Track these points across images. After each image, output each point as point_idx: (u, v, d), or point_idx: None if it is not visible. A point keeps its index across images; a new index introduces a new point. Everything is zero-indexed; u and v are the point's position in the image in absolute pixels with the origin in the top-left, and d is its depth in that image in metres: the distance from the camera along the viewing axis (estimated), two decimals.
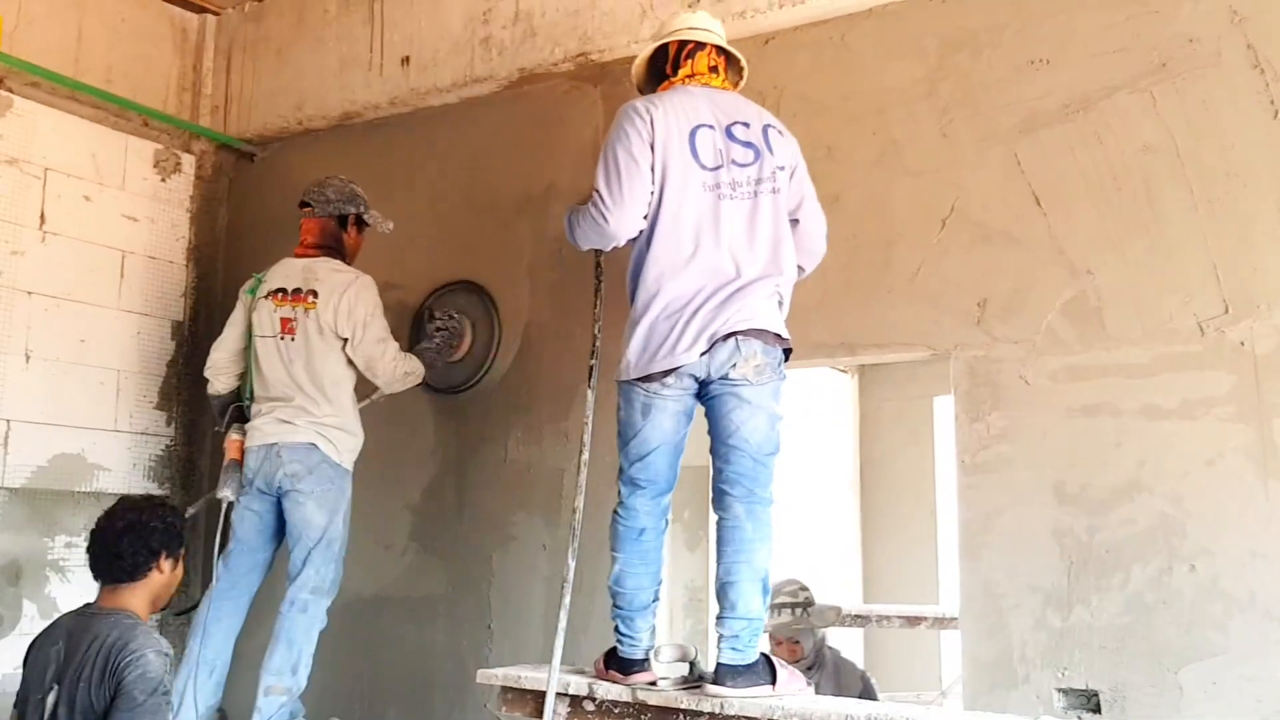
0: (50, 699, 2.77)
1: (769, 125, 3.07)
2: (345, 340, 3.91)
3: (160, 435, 4.81)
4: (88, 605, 2.97)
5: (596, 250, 3.28)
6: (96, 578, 2.98)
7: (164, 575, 2.99)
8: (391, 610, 4.39)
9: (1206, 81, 3.14)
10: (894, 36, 3.61)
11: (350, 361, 3.95)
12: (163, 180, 4.96)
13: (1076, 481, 3.18)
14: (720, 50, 3.17)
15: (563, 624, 3.03)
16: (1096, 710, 3.06)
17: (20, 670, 2.92)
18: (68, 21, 4.66)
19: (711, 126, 3.01)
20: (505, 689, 3.16)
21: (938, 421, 6.24)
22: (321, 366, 3.90)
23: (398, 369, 4.00)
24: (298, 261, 4.05)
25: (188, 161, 5.07)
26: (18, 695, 2.90)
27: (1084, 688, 3.09)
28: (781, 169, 3.03)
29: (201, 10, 5.16)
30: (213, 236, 5.13)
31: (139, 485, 4.74)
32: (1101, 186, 3.24)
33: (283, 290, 3.98)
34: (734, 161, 2.99)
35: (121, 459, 4.70)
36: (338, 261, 4.04)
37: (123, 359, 4.75)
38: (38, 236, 4.47)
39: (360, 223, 4.13)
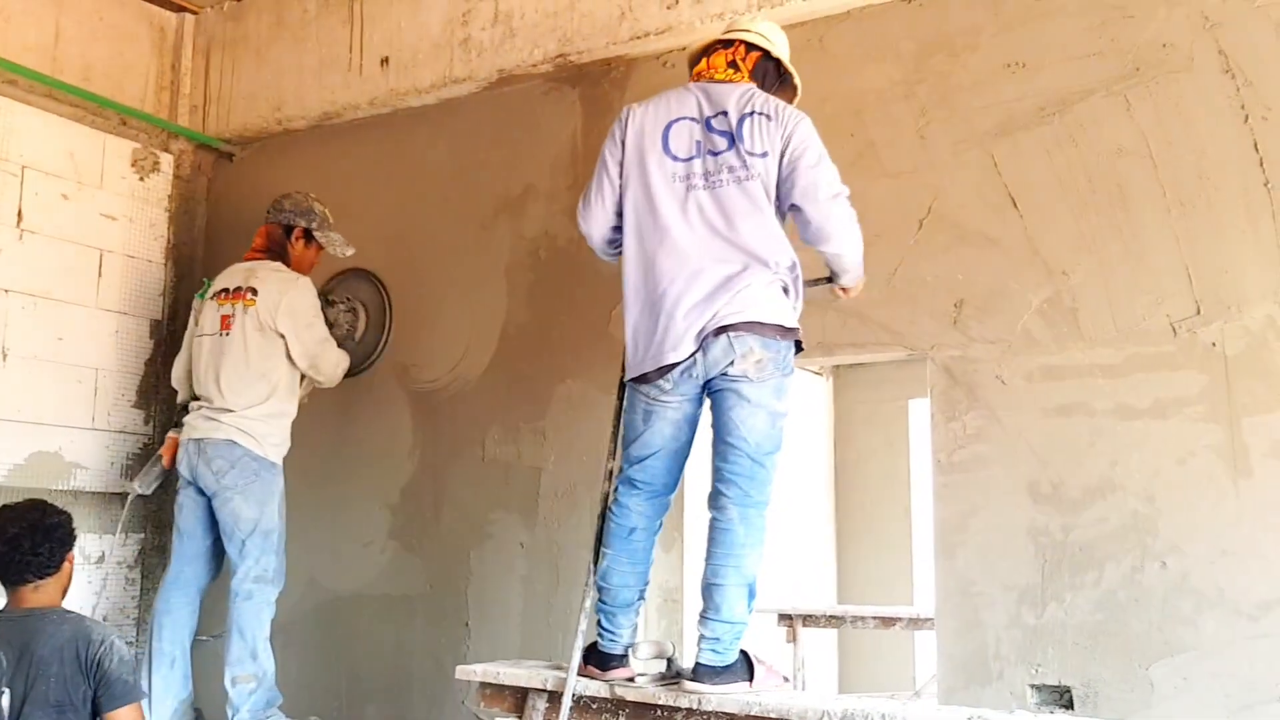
0: (3, 702, 2.85)
1: (750, 114, 2.94)
2: (283, 337, 4.00)
3: (138, 433, 4.79)
4: (11, 610, 3.04)
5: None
6: (8, 582, 3.07)
7: (68, 570, 3.15)
8: (370, 608, 4.39)
9: (1179, 86, 3.19)
10: (871, 39, 3.65)
11: (290, 359, 4.04)
12: (141, 179, 4.94)
13: (1051, 480, 3.22)
14: (752, 46, 3.09)
15: (582, 627, 3.00)
16: (1069, 706, 3.10)
17: None
18: (45, 19, 4.64)
19: (693, 119, 2.98)
20: (484, 685, 3.15)
21: (913, 424, 6.28)
22: (257, 362, 4.00)
23: (339, 367, 4.18)
24: (243, 264, 4.18)
25: (166, 161, 5.05)
26: None
27: (1057, 684, 3.13)
28: (757, 155, 2.90)
29: (180, 9, 5.14)
30: (191, 236, 5.12)
31: (116, 483, 4.71)
32: (1076, 188, 3.29)
33: (225, 290, 4.11)
34: (710, 151, 2.94)
35: (99, 457, 4.68)
36: (280, 265, 4.15)
37: (101, 357, 4.73)
38: (15, 235, 4.44)
39: (309, 236, 4.20)
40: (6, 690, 2.86)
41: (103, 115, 4.81)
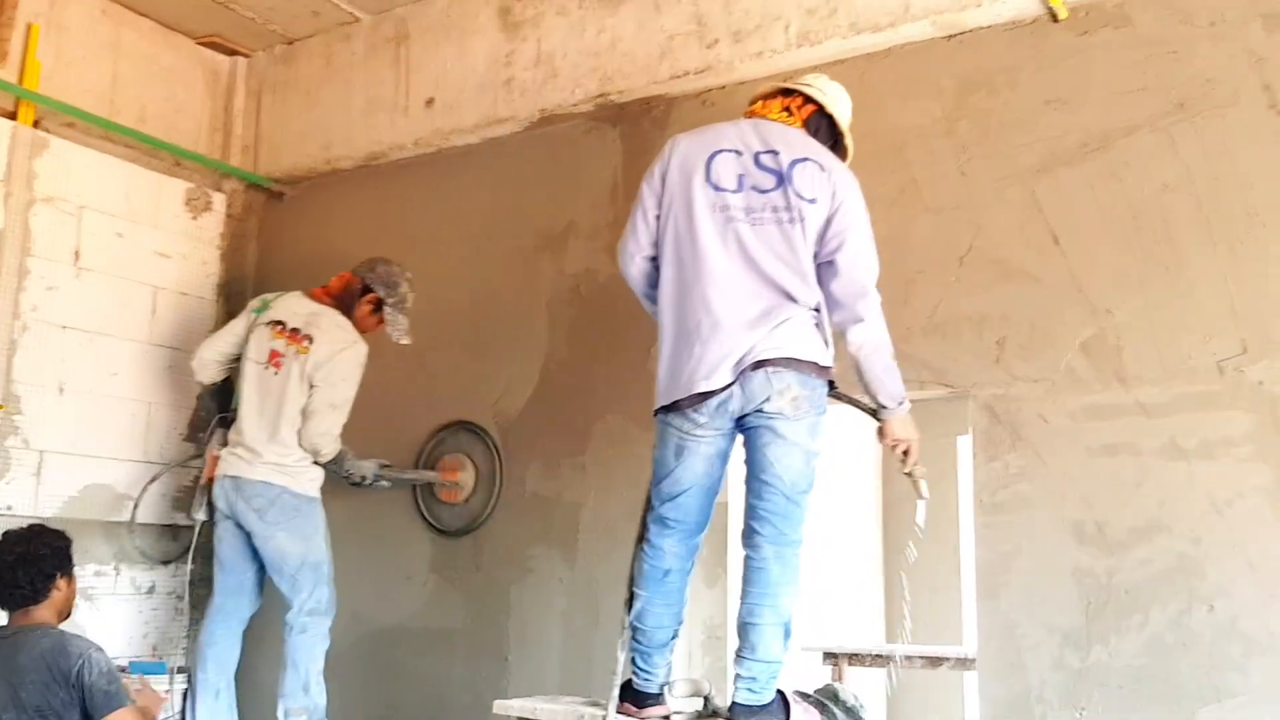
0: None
1: (803, 159, 2.92)
2: (312, 388, 4.03)
3: (189, 466, 4.85)
4: (4, 628, 3.29)
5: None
6: (3, 606, 3.31)
7: (63, 591, 3.32)
8: (410, 641, 4.41)
9: (1225, 121, 3.15)
10: (912, 76, 3.64)
11: None
12: (194, 218, 5.05)
13: (1095, 521, 3.17)
14: (809, 100, 3.12)
15: (621, 662, 3.00)
16: None
17: None
18: (103, 64, 4.77)
19: (738, 152, 2.96)
20: None
21: (960, 461, 6.20)
22: (293, 412, 4.03)
23: (320, 442, 4.04)
24: (308, 303, 4.21)
25: (218, 200, 5.16)
26: None
27: None
28: (806, 200, 2.88)
29: (233, 53, 5.27)
30: (242, 273, 5.21)
31: (168, 515, 4.79)
32: (1120, 225, 3.25)
33: (282, 324, 4.13)
34: (754, 187, 2.91)
35: (151, 491, 4.76)
36: (344, 320, 4.16)
37: (153, 391, 4.82)
38: (72, 272, 4.56)
39: (379, 307, 4.21)
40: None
41: (158, 156, 4.93)
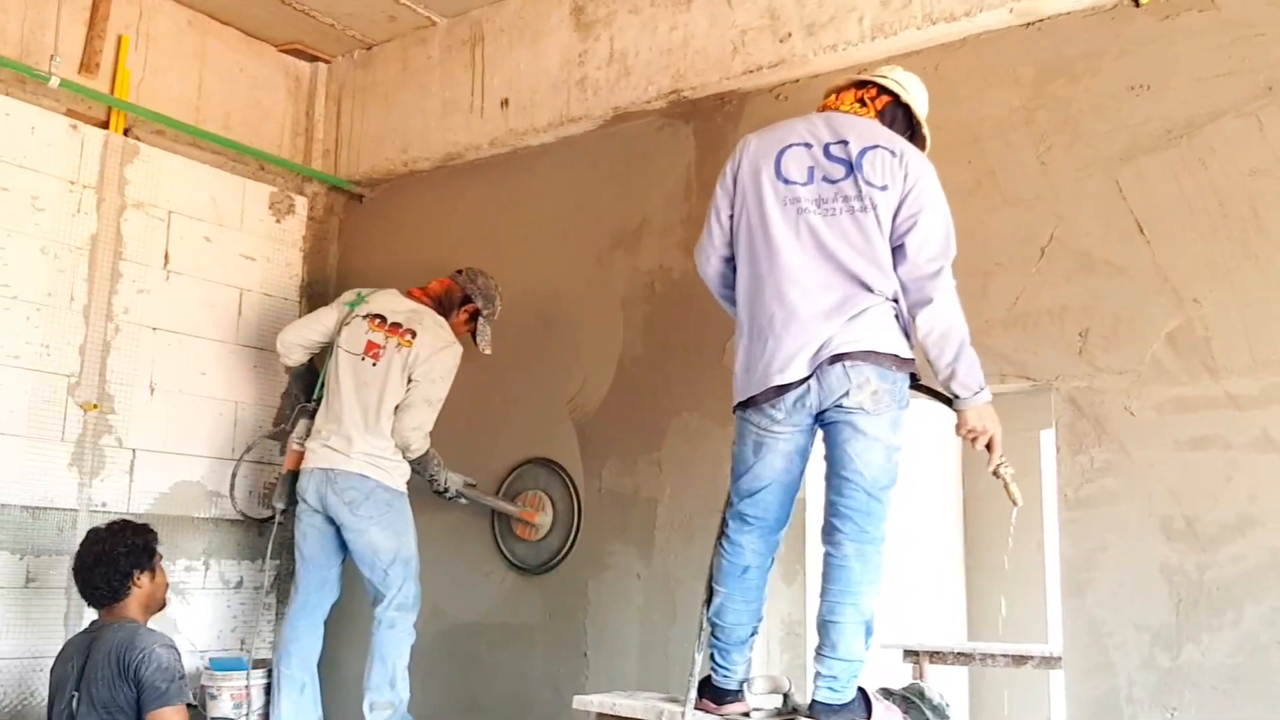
0: (73, 704, 3.21)
1: (873, 146, 2.90)
2: (410, 382, 4.09)
3: (275, 463, 4.96)
4: (93, 623, 3.42)
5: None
6: (89, 604, 3.43)
7: (145, 587, 3.41)
8: (490, 636, 4.46)
9: None
10: (989, 65, 3.59)
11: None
12: (277, 221, 5.17)
13: (1185, 516, 3.09)
14: (884, 90, 3.11)
15: (699, 659, 3.01)
16: None
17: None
18: (189, 72, 4.90)
19: (808, 145, 2.95)
20: (601, 716, 3.18)
21: (1044, 456, 6.09)
22: (391, 401, 4.08)
23: (411, 436, 4.08)
24: (408, 301, 4.27)
25: (301, 203, 5.28)
26: (47, 708, 3.34)
27: None
28: (876, 187, 2.85)
29: (314, 59, 5.38)
30: (324, 274, 5.32)
31: (254, 512, 4.91)
32: (1207, 213, 3.17)
33: (381, 318, 4.19)
34: (825, 178, 2.90)
35: (238, 486, 4.88)
36: (444, 321, 4.25)
37: (240, 391, 4.94)
38: (162, 275, 4.69)
39: (475, 318, 4.33)
40: (75, 693, 3.18)
41: (242, 161, 5.05)
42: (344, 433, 4.07)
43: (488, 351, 4.34)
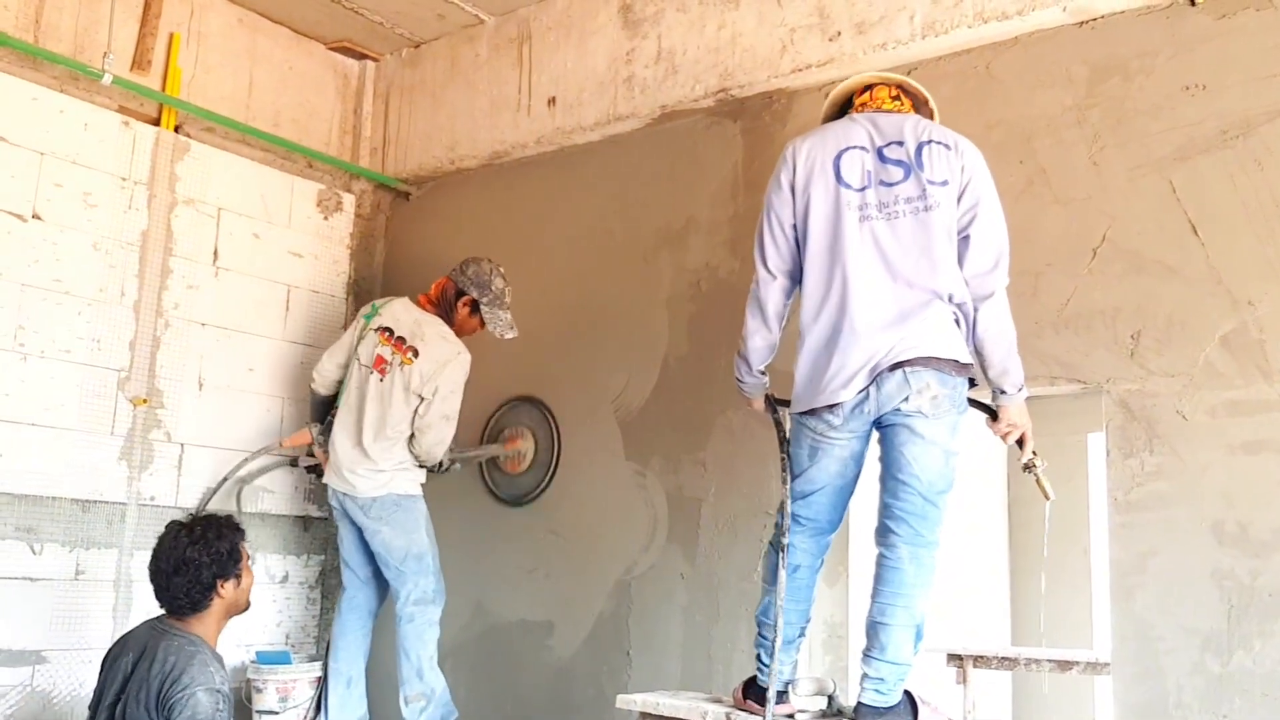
0: (119, 708, 2.91)
1: (928, 142, 2.89)
2: (421, 400, 4.11)
3: (285, 454, 4.99)
4: (161, 619, 3.06)
5: (772, 406, 3.21)
6: (164, 610, 3.05)
7: (227, 597, 3.05)
8: (534, 634, 4.48)
9: None
10: (1041, 64, 3.56)
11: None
12: (325, 218, 5.21)
13: (1238, 521, 3.05)
14: (906, 91, 3.11)
15: (776, 668, 2.95)
16: None
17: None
18: (240, 71, 4.96)
19: (864, 149, 2.93)
20: (644, 715, 3.18)
21: (1091, 460, 6.03)
22: (395, 422, 4.12)
23: (435, 451, 4.17)
24: (414, 311, 4.27)
25: (348, 200, 5.32)
26: (93, 698, 3.03)
27: None
28: (937, 184, 2.84)
29: (362, 57, 5.42)
30: (370, 271, 5.36)
31: (300, 508, 4.96)
32: (1263, 214, 3.12)
33: (389, 331, 4.22)
34: (882, 182, 2.88)
35: (285, 482, 4.93)
36: (447, 329, 4.22)
37: (287, 386, 4.99)
38: (211, 272, 4.75)
39: (476, 308, 4.25)
40: (122, 696, 2.91)
41: (291, 159, 5.10)
42: (355, 446, 4.16)
43: (509, 336, 4.27)
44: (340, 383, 4.39)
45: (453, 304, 4.27)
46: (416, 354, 4.13)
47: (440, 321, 4.23)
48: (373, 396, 4.16)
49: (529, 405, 4.66)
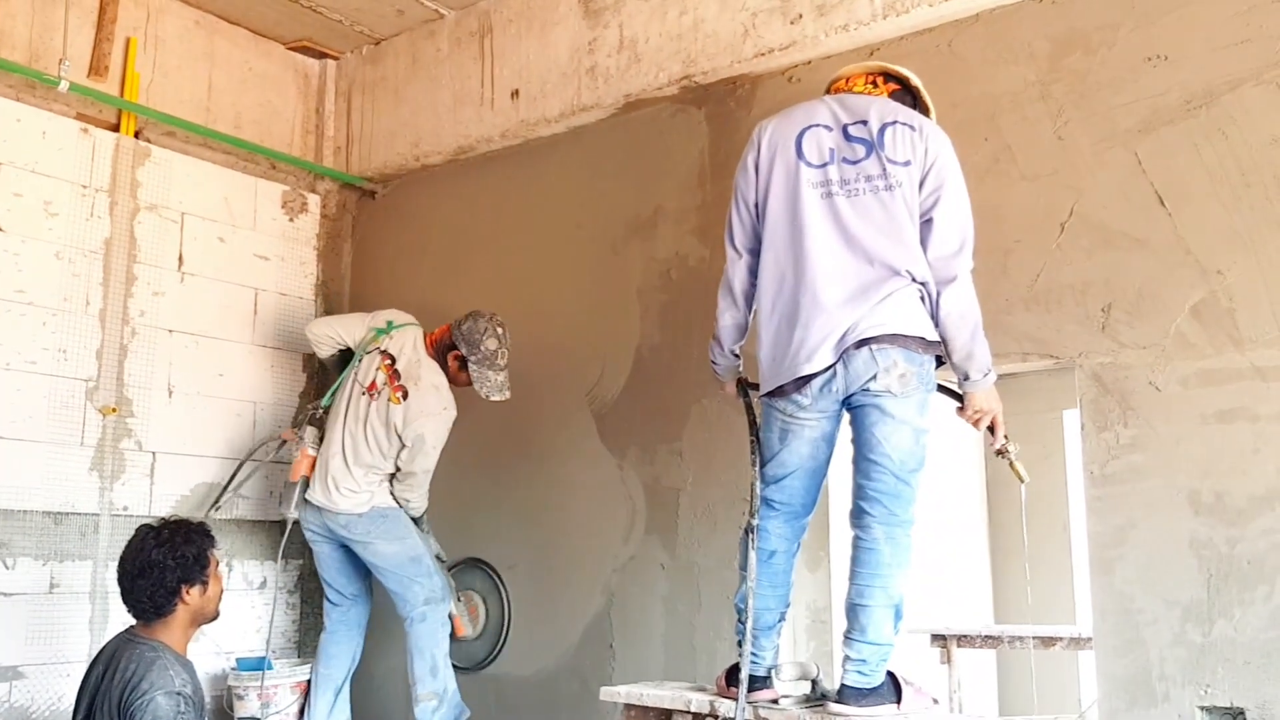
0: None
1: (892, 123, 2.87)
2: (403, 447, 4.10)
3: (282, 462, 4.96)
4: (130, 629, 3.02)
5: (744, 390, 3.20)
6: (131, 615, 3.01)
7: (192, 604, 2.98)
8: (516, 631, 4.45)
9: None
10: (1003, 40, 3.55)
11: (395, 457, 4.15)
12: (290, 220, 5.16)
13: (1213, 490, 3.06)
14: (890, 77, 3.09)
15: (748, 651, 2.96)
16: None
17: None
18: (199, 73, 4.90)
19: (827, 127, 2.92)
20: (628, 706, 3.16)
21: (1067, 437, 6.05)
22: (374, 452, 4.13)
23: (414, 498, 4.24)
24: (419, 350, 4.24)
25: (313, 201, 5.27)
26: (73, 713, 3.00)
27: (1229, 705, 2.95)
28: (899, 164, 2.82)
29: (322, 56, 5.37)
30: (338, 272, 5.31)
31: (275, 512, 4.91)
32: (1229, 183, 3.13)
33: (391, 357, 4.20)
34: (845, 159, 2.87)
35: (258, 487, 4.89)
36: (442, 379, 4.19)
37: (257, 391, 4.95)
38: (177, 278, 4.69)
39: (465, 364, 4.17)
40: (91, 708, 2.89)
41: (253, 160, 5.04)
42: (337, 463, 4.15)
43: (495, 398, 4.13)
44: (336, 352, 4.47)
45: (445, 353, 4.22)
46: (405, 396, 4.12)
47: (438, 370, 4.20)
48: (358, 416, 4.17)
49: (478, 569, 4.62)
